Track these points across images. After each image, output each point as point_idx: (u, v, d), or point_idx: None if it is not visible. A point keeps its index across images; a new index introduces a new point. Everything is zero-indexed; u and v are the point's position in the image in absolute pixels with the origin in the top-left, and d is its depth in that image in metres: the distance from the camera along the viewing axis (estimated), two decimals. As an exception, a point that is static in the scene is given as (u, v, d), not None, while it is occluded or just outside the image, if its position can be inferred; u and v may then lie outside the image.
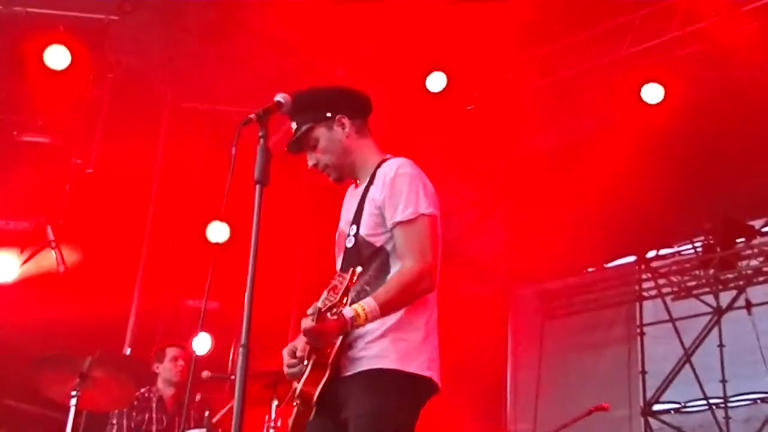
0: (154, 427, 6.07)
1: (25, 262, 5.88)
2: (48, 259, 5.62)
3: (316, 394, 2.92)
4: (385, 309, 2.91)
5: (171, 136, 8.64)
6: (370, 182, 3.18)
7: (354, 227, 3.13)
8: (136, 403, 6.02)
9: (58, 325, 7.02)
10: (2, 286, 6.14)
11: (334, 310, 2.84)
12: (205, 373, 5.70)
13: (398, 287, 2.95)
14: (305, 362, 3.00)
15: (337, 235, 3.32)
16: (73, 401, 4.86)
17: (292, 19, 7.94)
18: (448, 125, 8.88)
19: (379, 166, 3.21)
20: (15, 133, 7.98)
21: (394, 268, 3.04)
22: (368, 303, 2.88)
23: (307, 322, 2.84)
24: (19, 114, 7.97)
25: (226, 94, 8.52)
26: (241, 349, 2.58)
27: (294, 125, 3.23)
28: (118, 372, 5.19)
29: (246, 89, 8.37)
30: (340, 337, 2.94)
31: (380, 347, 2.97)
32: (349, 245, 3.12)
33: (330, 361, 2.94)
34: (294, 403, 3.02)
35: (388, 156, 3.27)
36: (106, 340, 7.44)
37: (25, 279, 6.21)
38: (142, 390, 6.13)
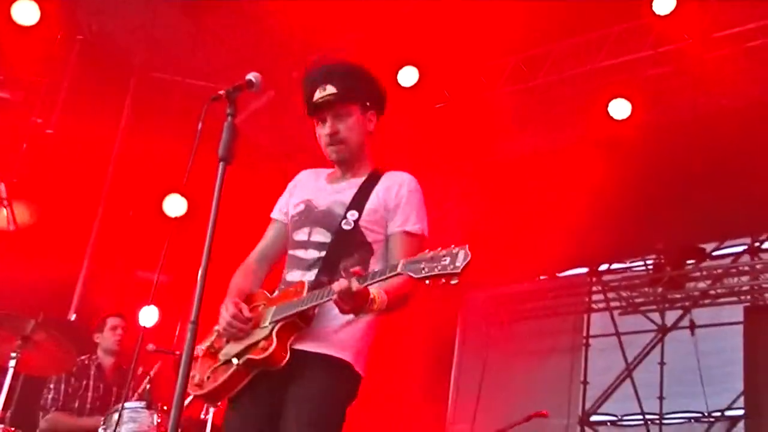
0: (90, 395, 6.03)
1: (-26, 218, 5.78)
2: (-1, 216, 5.53)
3: (286, 359, 2.92)
4: (391, 306, 2.93)
5: (136, 105, 8.53)
6: (373, 180, 3.24)
7: (355, 213, 3.14)
8: (75, 369, 5.96)
9: (3, 285, 6.91)
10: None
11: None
12: (150, 346, 5.66)
13: (404, 292, 2.98)
14: (267, 324, 2.97)
15: (301, 205, 3.28)
16: (12, 362, 4.78)
17: (271, 1, 7.89)
18: (416, 122, 8.89)
19: (376, 170, 3.29)
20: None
21: (374, 268, 3.06)
22: (381, 293, 2.87)
23: (355, 283, 2.76)
24: (-18, 66, 7.81)
25: (198, 68, 8.43)
26: (190, 325, 2.57)
27: (332, 89, 3.22)
28: (61, 337, 5.11)
29: (218, 65, 8.30)
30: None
31: (341, 337, 3.02)
32: (347, 228, 3.12)
33: (309, 326, 2.97)
34: (233, 362, 2.97)
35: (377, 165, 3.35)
36: (52, 304, 7.34)
37: (-27, 235, 6.11)
38: (82, 357, 6.08)
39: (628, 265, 10.10)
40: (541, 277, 10.67)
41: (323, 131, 3.25)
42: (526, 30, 7.98)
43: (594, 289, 10.18)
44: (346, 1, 7.60)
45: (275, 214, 3.41)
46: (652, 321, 9.66)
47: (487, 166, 9.49)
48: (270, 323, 2.97)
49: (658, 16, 7.20)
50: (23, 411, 5.89)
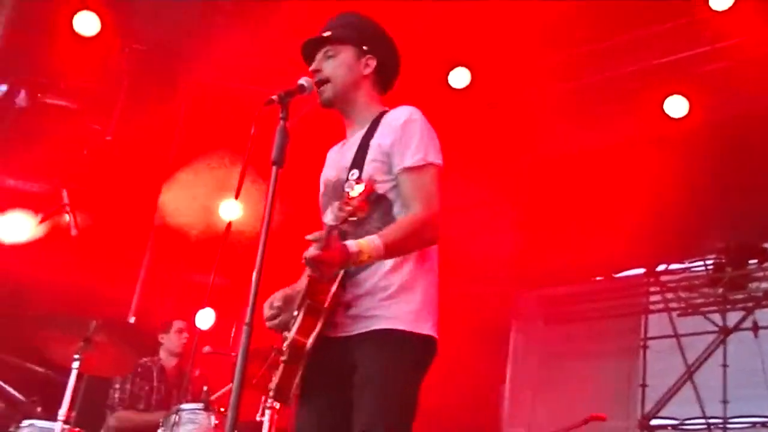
0: (153, 396, 6.15)
1: (39, 223, 5.94)
2: (62, 221, 5.67)
3: (309, 343, 2.79)
4: (390, 250, 2.80)
5: (191, 110, 8.67)
6: (372, 129, 3.11)
7: (355, 172, 3.01)
8: (139, 370, 6.10)
9: (66, 288, 7.08)
10: (16, 245, 6.20)
11: (352, 219, 2.66)
12: (207, 348, 5.75)
13: (405, 230, 2.86)
14: (294, 312, 2.91)
15: (322, 186, 3.22)
16: (76, 364, 4.89)
17: (321, 7, 7.93)
18: (468, 122, 8.87)
19: (381, 116, 3.16)
20: (39, 95, 8.03)
21: (399, 218, 2.96)
22: (372, 240, 2.76)
23: (310, 251, 2.67)
24: (45, 77, 8.02)
25: (251, 74, 8.52)
26: (245, 327, 2.60)
27: (327, 33, 3.21)
28: (121, 339, 5.23)
29: (270, 70, 8.37)
30: (336, 285, 2.84)
31: (394, 308, 2.89)
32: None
33: (326, 306, 2.83)
34: (281, 359, 2.89)
35: (388, 108, 3.23)
36: (111, 307, 7.50)
37: (38, 240, 6.27)
38: (145, 359, 6.21)
39: (687, 265, 9.92)
40: (597, 278, 10.54)
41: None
42: (578, 27, 7.90)
43: (652, 290, 10.02)
44: (395, 3, 7.61)
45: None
46: (713, 322, 9.45)
47: (541, 164, 9.42)
48: (296, 312, 2.92)
49: (716, 11, 7.07)
50: (87, 411, 6.03)
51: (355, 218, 2.66)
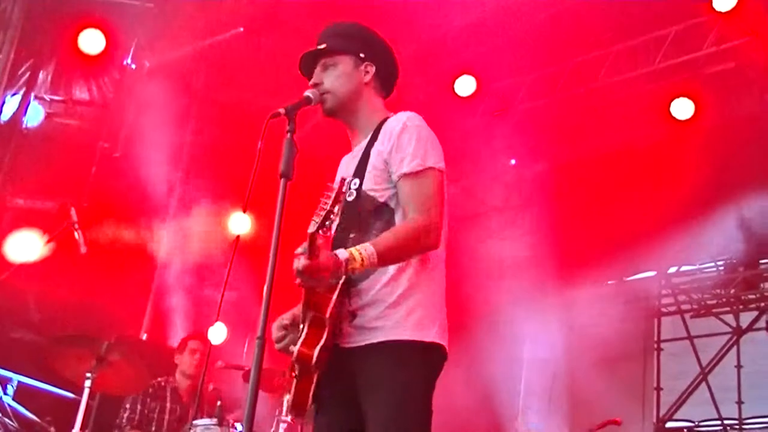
0: (166, 417, 6.10)
1: (48, 242, 5.95)
2: (70, 240, 5.67)
3: (315, 355, 2.75)
4: (385, 257, 2.76)
5: (199, 125, 8.69)
6: (374, 137, 3.08)
7: (356, 181, 2.98)
8: (151, 390, 6.06)
9: (77, 306, 7.09)
10: (25, 265, 6.20)
11: (327, 223, 2.63)
12: (220, 363, 5.73)
13: (399, 237, 2.81)
14: (300, 326, 2.86)
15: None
16: (88, 383, 4.88)
17: (326, 18, 7.95)
18: (475, 130, 8.87)
19: (383, 122, 3.12)
20: (47, 113, 8.06)
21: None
22: (366, 248, 2.73)
23: (299, 262, 2.62)
24: (52, 95, 8.06)
25: (257, 87, 8.54)
26: (257, 341, 2.58)
27: (322, 45, 3.17)
28: (134, 357, 5.23)
29: (277, 84, 8.40)
30: (336, 294, 2.80)
31: (397, 317, 2.85)
32: (350, 198, 2.95)
33: (328, 315, 2.78)
34: (292, 374, 2.86)
35: (391, 114, 3.19)
36: (123, 324, 7.50)
37: (47, 259, 6.27)
38: (159, 379, 6.17)
39: (698, 266, 9.87)
40: (609, 282, 10.50)
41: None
42: (583, 34, 7.91)
43: (664, 292, 9.97)
44: (401, 12, 7.61)
45: None
46: (726, 323, 9.40)
47: (548, 171, 9.40)
48: (302, 326, 2.87)
49: (719, 12, 7.05)
50: (100, 431, 6.02)
51: (330, 220, 2.63)
